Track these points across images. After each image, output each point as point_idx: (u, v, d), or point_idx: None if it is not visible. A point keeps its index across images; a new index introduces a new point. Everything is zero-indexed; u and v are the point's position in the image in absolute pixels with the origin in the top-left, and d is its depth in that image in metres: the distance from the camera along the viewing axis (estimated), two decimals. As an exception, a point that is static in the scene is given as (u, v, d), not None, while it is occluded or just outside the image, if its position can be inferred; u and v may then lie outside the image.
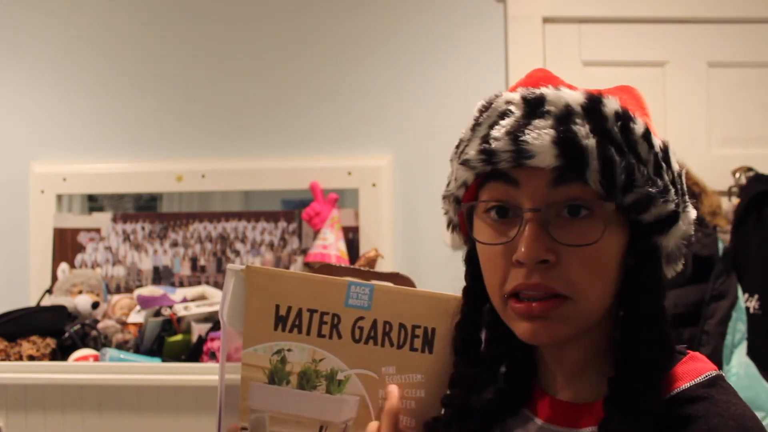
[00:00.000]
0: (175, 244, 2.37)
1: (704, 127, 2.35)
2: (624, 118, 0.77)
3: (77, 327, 2.03)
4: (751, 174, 2.16)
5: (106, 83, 2.43)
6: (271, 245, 2.34)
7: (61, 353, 1.98)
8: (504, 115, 0.79)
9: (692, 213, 0.82)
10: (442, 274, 2.21)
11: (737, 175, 2.19)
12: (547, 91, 0.78)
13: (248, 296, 0.93)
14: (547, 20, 2.37)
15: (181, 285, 2.34)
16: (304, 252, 2.31)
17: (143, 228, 2.38)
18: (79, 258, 2.38)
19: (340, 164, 2.33)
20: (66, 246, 2.38)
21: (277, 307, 0.93)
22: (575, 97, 0.77)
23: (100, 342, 2.02)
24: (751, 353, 1.97)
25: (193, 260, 2.36)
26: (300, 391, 0.92)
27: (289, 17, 2.42)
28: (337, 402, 0.91)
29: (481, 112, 0.82)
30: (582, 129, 0.75)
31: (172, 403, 1.89)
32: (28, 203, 2.40)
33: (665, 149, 0.80)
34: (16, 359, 1.93)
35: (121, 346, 2.01)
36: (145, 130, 2.42)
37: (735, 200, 2.15)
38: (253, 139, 2.40)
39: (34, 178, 2.40)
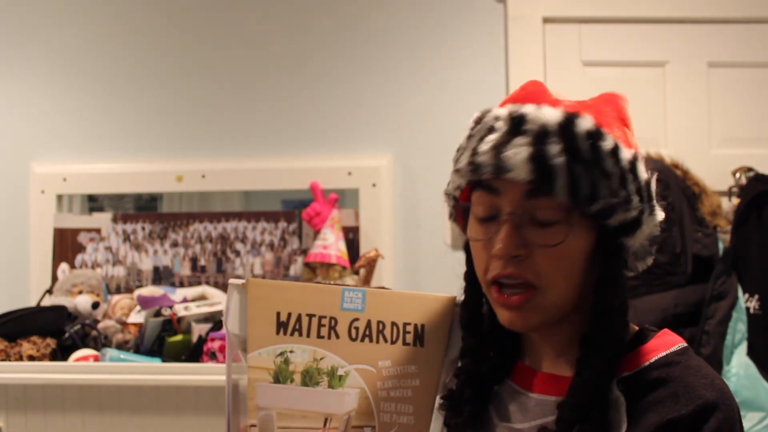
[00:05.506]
0: (175, 244, 2.37)
1: (704, 127, 2.35)
2: (594, 136, 0.88)
3: (77, 327, 2.04)
4: (751, 174, 2.16)
5: (106, 83, 2.43)
6: (271, 245, 2.34)
7: (61, 353, 1.98)
8: (491, 130, 0.90)
9: (658, 216, 0.92)
10: (441, 273, 2.21)
11: (737, 175, 2.19)
12: (529, 110, 0.89)
13: (250, 306, 1.01)
14: (547, 20, 2.37)
15: (182, 285, 2.34)
16: (304, 252, 2.31)
17: (143, 228, 2.38)
18: (79, 258, 2.38)
19: (340, 164, 2.33)
20: (66, 246, 2.38)
21: (278, 314, 1.01)
22: (552, 117, 0.88)
23: (100, 342, 2.02)
24: (751, 353, 1.97)
25: (194, 260, 2.36)
26: (304, 388, 0.99)
27: (289, 18, 2.42)
28: (339, 395, 0.99)
29: (475, 123, 0.94)
30: (554, 148, 0.86)
31: (172, 403, 1.89)
32: (28, 203, 2.40)
33: (633, 161, 0.90)
34: (16, 359, 1.93)
35: (121, 346, 2.01)
36: (145, 130, 2.42)
37: (735, 200, 2.15)
38: (253, 139, 2.41)
39: (34, 178, 2.40)
